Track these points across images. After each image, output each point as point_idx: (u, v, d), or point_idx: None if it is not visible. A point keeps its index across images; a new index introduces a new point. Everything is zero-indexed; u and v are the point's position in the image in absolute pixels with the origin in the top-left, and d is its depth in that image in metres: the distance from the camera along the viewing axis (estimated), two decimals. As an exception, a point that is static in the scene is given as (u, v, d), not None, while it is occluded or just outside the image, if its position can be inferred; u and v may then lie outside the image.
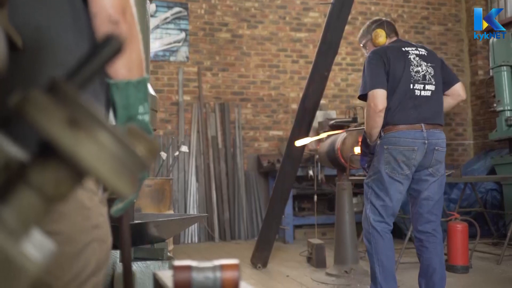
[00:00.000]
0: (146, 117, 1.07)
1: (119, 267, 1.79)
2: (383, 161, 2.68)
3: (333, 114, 5.78)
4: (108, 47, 0.52)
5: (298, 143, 3.56)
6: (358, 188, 5.97)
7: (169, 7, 6.26)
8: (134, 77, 1.04)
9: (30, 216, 0.50)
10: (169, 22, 6.25)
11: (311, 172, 5.55)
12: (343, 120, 4.10)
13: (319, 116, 5.39)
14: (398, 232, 5.44)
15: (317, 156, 4.85)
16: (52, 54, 0.97)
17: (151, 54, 6.13)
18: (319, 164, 5.39)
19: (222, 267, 0.95)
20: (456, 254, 3.78)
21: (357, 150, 3.67)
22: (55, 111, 0.48)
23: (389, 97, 2.67)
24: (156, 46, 6.15)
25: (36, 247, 0.51)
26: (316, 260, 4.13)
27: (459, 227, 3.77)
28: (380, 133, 2.73)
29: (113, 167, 0.50)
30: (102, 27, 1.01)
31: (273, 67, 6.57)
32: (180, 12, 6.29)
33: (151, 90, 2.03)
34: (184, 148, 3.96)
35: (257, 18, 6.57)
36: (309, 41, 6.69)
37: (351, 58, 6.90)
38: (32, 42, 0.93)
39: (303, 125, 3.84)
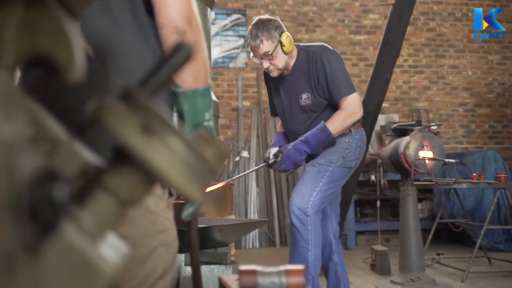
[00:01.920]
0: (211, 123, 1.10)
1: (185, 271, 1.82)
2: (354, 157, 2.68)
3: (395, 117, 5.64)
4: (178, 55, 0.54)
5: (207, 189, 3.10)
6: (423, 194, 5.80)
7: (228, 14, 6.35)
8: (200, 85, 1.07)
9: (106, 219, 0.52)
10: (228, 29, 6.34)
11: (373, 177, 5.44)
12: (406, 123, 3.98)
13: (381, 119, 5.27)
14: (467, 240, 5.22)
15: (379, 161, 4.75)
16: (119, 63, 1.01)
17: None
18: (381, 168, 5.27)
19: (287, 272, 0.94)
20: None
21: (422, 154, 3.56)
22: (129, 118, 0.49)
23: None
24: (215, 53, 6.25)
25: (111, 249, 0.52)
26: (380, 267, 4.03)
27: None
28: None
29: (184, 173, 0.51)
30: (169, 38, 1.03)
31: (333, 71, 6.50)
32: (238, 18, 6.37)
33: (213, 97, 2.06)
34: (244, 154, 4.00)
35: (315, 22, 6.54)
36: (369, 44, 6.58)
37: (413, 59, 6.71)
38: (101, 52, 0.97)
39: (364, 129, 3.77)
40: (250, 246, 5.83)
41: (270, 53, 2.58)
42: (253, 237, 5.86)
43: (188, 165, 0.51)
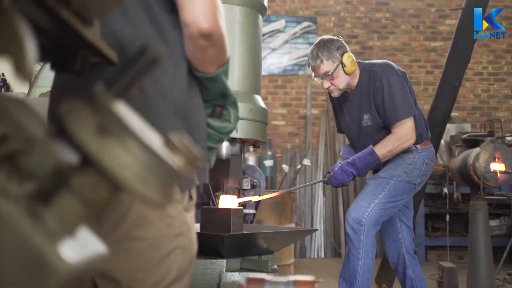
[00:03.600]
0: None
1: (225, 277, 1.83)
2: (418, 174, 2.61)
3: (467, 127, 5.35)
4: (144, 58, 0.54)
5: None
6: (501, 209, 5.43)
7: (298, 22, 6.35)
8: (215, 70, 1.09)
9: (70, 219, 0.53)
10: (298, 37, 6.33)
11: (445, 190, 5.18)
12: (477, 133, 3.76)
13: (451, 129, 5.03)
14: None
15: (449, 173, 4.53)
16: None
17: (280, 69, 6.27)
18: (454, 181, 5.00)
19: (295, 283, 0.92)
20: None
21: (494, 166, 3.35)
22: (87, 119, 0.50)
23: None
24: (285, 60, 6.27)
25: (76, 248, 0.53)
26: (447, 284, 3.82)
27: None
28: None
29: (140, 175, 0.51)
30: (195, 41, 1.03)
31: (405, 78, 6.29)
32: (309, 26, 6.35)
33: (261, 103, 2.06)
34: (306, 162, 3.97)
35: (388, 29, 6.36)
36: (445, 50, 6.26)
37: (493, 67, 6.34)
38: (122, 56, 0.99)
39: (431, 139, 3.61)
40: (315, 256, 5.76)
41: (330, 73, 2.56)
42: (318, 247, 5.78)
43: (146, 167, 0.51)
